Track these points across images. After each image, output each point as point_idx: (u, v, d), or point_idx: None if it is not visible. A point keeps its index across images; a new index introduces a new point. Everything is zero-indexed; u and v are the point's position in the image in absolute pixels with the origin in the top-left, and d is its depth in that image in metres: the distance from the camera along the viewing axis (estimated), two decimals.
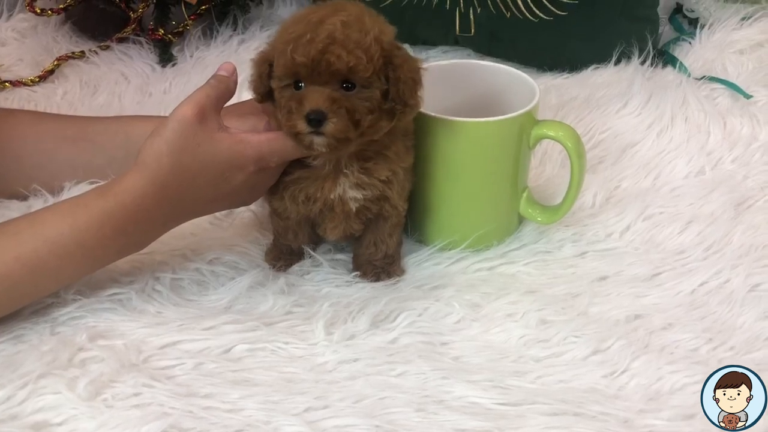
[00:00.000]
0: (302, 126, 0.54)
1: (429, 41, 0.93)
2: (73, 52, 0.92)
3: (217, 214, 0.70)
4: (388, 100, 0.55)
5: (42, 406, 0.51)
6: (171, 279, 0.62)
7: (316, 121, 0.53)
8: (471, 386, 0.54)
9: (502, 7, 0.89)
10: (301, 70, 0.53)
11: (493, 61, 0.70)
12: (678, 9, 0.99)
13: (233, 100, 0.72)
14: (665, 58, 0.91)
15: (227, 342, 0.57)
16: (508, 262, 0.66)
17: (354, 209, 0.60)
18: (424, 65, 0.58)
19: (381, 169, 0.59)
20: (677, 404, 0.53)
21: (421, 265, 0.65)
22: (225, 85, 0.58)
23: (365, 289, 0.62)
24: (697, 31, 0.92)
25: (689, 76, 0.87)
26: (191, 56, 0.91)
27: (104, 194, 0.56)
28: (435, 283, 0.63)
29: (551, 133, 0.64)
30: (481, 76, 0.69)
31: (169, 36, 0.92)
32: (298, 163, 0.59)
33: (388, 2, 0.90)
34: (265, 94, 0.57)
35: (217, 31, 0.94)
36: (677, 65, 0.89)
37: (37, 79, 0.88)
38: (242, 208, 0.71)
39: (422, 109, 0.61)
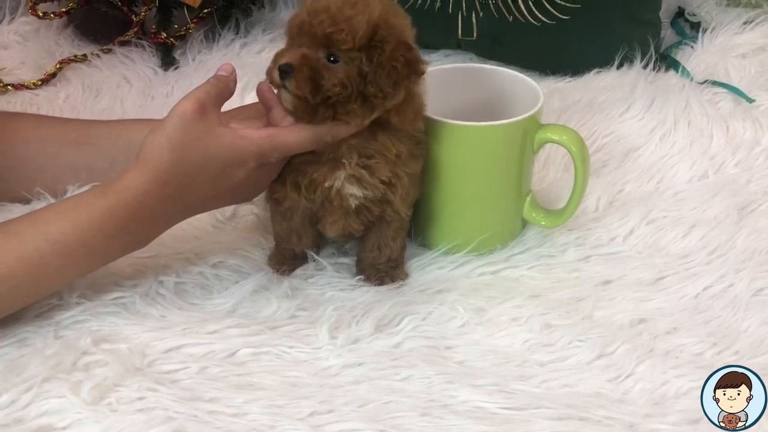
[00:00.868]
0: (275, 75, 0.55)
1: (431, 45, 0.93)
2: (75, 56, 0.92)
3: (219, 217, 0.70)
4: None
5: (46, 410, 0.51)
6: (175, 283, 0.62)
7: (284, 72, 0.55)
8: (476, 390, 0.54)
9: (505, 11, 0.89)
10: (293, 30, 0.56)
11: (496, 65, 0.70)
12: (680, 13, 0.99)
13: (236, 103, 0.73)
14: (668, 62, 0.91)
15: (231, 346, 0.57)
16: (512, 266, 0.66)
17: (353, 206, 0.59)
18: (427, 67, 0.58)
19: (382, 168, 0.59)
20: (682, 408, 0.53)
21: (425, 268, 0.65)
22: (224, 84, 0.58)
23: (369, 293, 0.62)
24: (700, 35, 0.92)
25: (692, 80, 0.87)
26: (193, 59, 0.91)
27: (106, 192, 0.56)
28: (439, 287, 0.63)
29: (555, 137, 0.64)
30: (484, 80, 0.69)
31: (172, 39, 0.92)
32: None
33: None
34: None
35: (220, 35, 0.94)
36: (680, 69, 0.89)
37: (39, 83, 0.88)
38: (246, 211, 0.71)
39: (426, 113, 0.61)
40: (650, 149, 0.78)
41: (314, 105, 0.55)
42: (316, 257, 0.64)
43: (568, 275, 0.65)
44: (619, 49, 0.88)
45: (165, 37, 0.92)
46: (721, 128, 0.79)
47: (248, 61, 0.91)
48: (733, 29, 0.91)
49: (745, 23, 0.92)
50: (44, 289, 0.57)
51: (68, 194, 0.68)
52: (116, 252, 0.58)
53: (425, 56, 0.90)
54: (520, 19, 0.89)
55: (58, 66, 0.90)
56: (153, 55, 0.92)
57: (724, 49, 0.90)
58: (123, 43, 0.93)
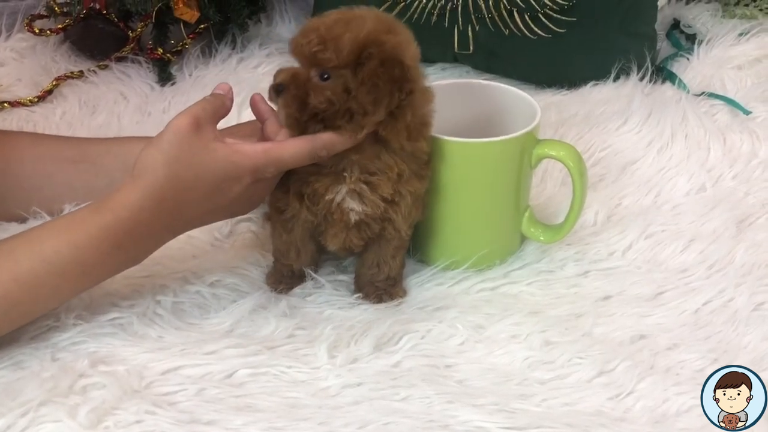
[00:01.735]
0: (272, 94, 0.58)
1: (427, 58, 0.93)
2: (71, 72, 0.91)
3: (217, 235, 0.70)
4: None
5: None
6: (172, 302, 0.61)
7: (277, 91, 0.57)
8: (476, 410, 0.53)
9: (501, 25, 0.89)
10: (291, 49, 0.58)
11: (492, 79, 0.70)
12: (675, 25, 0.99)
13: (233, 118, 0.72)
14: (664, 74, 0.91)
15: (229, 367, 0.57)
16: (510, 282, 0.65)
17: (353, 221, 0.59)
18: (419, 84, 0.58)
19: (383, 186, 0.59)
20: (684, 427, 0.53)
21: (424, 285, 0.65)
22: (221, 101, 0.59)
23: (368, 311, 0.62)
24: (695, 47, 0.93)
25: (688, 92, 0.87)
26: (190, 75, 0.91)
27: (100, 210, 0.56)
28: (438, 305, 0.63)
29: (553, 153, 0.64)
30: (481, 95, 0.69)
31: (168, 55, 0.92)
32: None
33: None
34: None
35: (216, 50, 0.94)
36: (676, 81, 0.89)
37: (35, 99, 0.88)
38: (243, 229, 0.70)
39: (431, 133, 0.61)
40: (648, 162, 0.78)
41: (304, 121, 0.57)
42: (314, 275, 0.64)
43: (567, 291, 0.65)
44: (615, 62, 0.88)
45: (161, 53, 0.92)
46: (718, 141, 0.80)
47: (245, 76, 0.91)
48: (728, 41, 0.92)
49: (740, 35, 0.93)
50: (40, 309, 0.57)
51: (65, 213, 0.68)
52: (112, 269, 0.58)
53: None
54: (517, 32, 0.89)
55: (54, 83, 0.90)
56: (150, 71, 0.92)
57: (720, 60, 0.90)
58: (119, 59, 0.93)
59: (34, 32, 0.93)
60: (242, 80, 0.89)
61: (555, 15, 0.88)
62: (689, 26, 0.98)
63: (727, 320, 0.61)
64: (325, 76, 0.56)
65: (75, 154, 0.71)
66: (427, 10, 0.90)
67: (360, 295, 0.63)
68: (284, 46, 0.97)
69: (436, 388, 0.55)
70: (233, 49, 0.94)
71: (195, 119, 0.56)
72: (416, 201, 0.61)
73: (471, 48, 0.90)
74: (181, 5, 0.89)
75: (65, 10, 0.93)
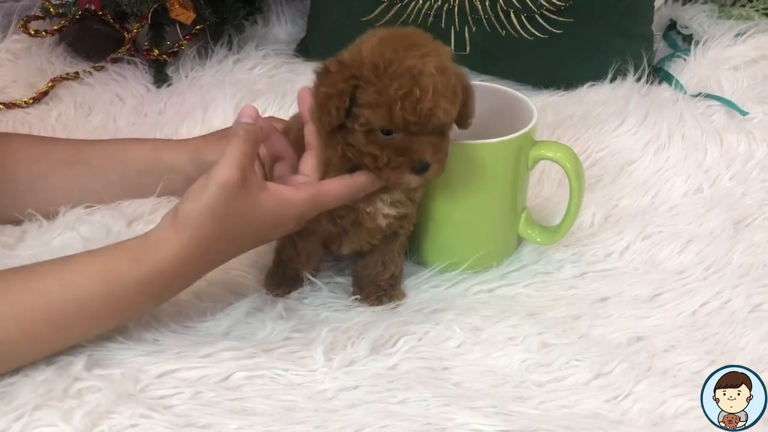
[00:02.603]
0: (409, 179, 0.56)
1: None
2: (67, 73, 0.91)
3: None
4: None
5: None
6: (169, 305, 0.61)
7: (422, 170, 0.55)
8: (473, 413, 0.53)
9: (497, 26, 0.89)
10: (410, 126, 0.54)
11: (489, 80, 0.70)
12: (672, 26, 0.99)
13: (229, 122, 0.72)
14: (660, 75, 0.91)
15: (225, 370, 0.56)
16: (508, 283, 0.65)
17: (384, 225, 0.60)
18: None
19: (418, 187, 0.60)
20: (682, 429, 0.53)
21: (421, 287, 0.65)
22: (255, 136, 0.56)
23: (365, 313, 0.61)
24: (692, 47, 0.93)
25: (685, 93, 0.87)
26: (186, 76, 0.91)
27: (140, 261, 0.54)
28: (435, 307, 0.62)
29: (550, 155, 0.64)
30: (477, 97, 0.68)
31: (164, 56, 0.92)
32: None
33: (383, 21, 0.90)
34: (336, 127, 0.56)
35: (212, 51, 0.94)
36: (673, 82, 0.89)
37: (31, 101, 0.88)
38: None
39: None
40: (645, 163, 0.78)
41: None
42: (311, 278, 0.63)
43: (565, 293, 0.65)
44: (612, 63, 0.88)
45: (157, 54, 0.91)
46: (715, 141, 0.80)
47: (241, 77, 0.91)
48: (725, 42, 0.92)
49: (737, 35, 0.93)
50: (67, 345, 0.56)
51: (61, 215, 0.68)
52: (142, 313, 0.58)
53: None
54: (513, 33, 0.89)
55: (50, 84, 0.89)
56: (145, 72, 0.92)
57: (716, 61, 0.90)
58: (115, 61, 0.93)
59: (29, 33, 0.93)
60: (238, 81, 0.89)
61: (551, 16, 0.88)
62: (686, 27, 0.98)
63: (725, 321, 0.61)
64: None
65: (70, 155, 0.70)
66: (423, 12, 0.90)
67: (358, 296, 0.63)
68: (281, 48, 0.97)
69: (433, 391, 0.55)
70: (229, 50, 0.94)
71: (242, 172, 0.54)
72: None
73: (467, 49, 0.90)
74: (177, 6, 0.89)
75: (61, 11, 0.93)
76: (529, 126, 0.63)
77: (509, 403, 0.54)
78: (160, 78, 0.91)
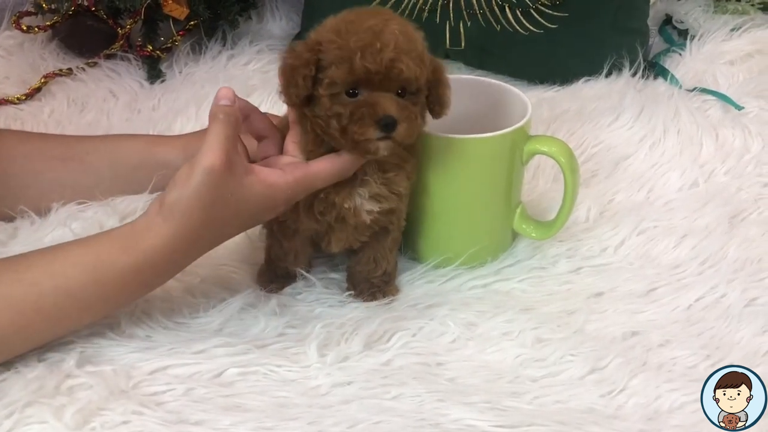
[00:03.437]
0: (373, 133, 0.54)
1: None
2: (60, 70, 0.91)
3: None
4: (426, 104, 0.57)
5: None
6: (161, 301, 0.61)
7: (388, 126, 0.54)
8: (467, 408, 0.53)
9: (492, 21, 0.89)
10: (371, 77, 0.53)
11: (484, 75, 0.70)
12: (668, 20, 0.99)
13: None
14: (656, 69, 0.91)
15: (218, 366, 0.56)
16: (502, 279, 0.65)
17: (368, 221, 0.59)
18: None
19: (399, 181, 0.59)
20: (677, 423, 0.53)
21: (415, 283, 0.64)
22: (235, 117, 0.55)
23: (359, 309, 0.61)
24: (687, 42, 0.92)
25: (680, 87, 0.87)
26: (180, 72, 0.90)
27: (130, 250, 0.54)
28: (429, 302, 0.62)
29: (544, 149, 0.64)
30: (472, 92, 0.68)
31: (158, 52, 0.91)
32: None
33: None
34: (303, 99, 0.55)
35: (206, 47, 0.93)
36: (668, 77, 0.89)
37: (23, 97, 0.87)
38: None
39: None
40: (640, 158, 0.78)
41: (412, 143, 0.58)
42: (305, 274, 0.63)
43: (560, 288, 0.64)
44: (607, 58, 0.88)
45: (151, 50, 0.91)
46: (710, 136, 0.79)
47: (235, 73, 0.90)
48: (720, 36, 0.92)
49: (732, 30, 0.93)
50: (59, 335, 0.56)
51: (53, 212, 0.68)
52: (133, 300, 0.58)
53: None
54: (508, 28, 0.88)
55: (42, 80, 0.89)
56: (139, 68, 0.91)
57: (712, 56, 0.90)
58: (109, 57, 0.92)
59: (22, 29, 0.92)
60: (232, 77, 0.89)
61: (547, 11, 0.87)
62: (681, 22, 0.98)
63: (720, 316, 0.61)
64: (400, 92, 0.55)
65: (63, 152, 0.70)
66: (418, 6, 0.89)
67: (352, 292, 0.63)
68: (275, 43, 0.96)
69: (427, 387, 0.55)
70: (223, 46, 0.94)
71: (226, 156, 0.53)
72: (411, 190, 0.61)
73: (462, 44, 0.90)
74: (170, 2, 0.88)
75: (53, 6, 0.92)
76: (524, 120, 0.63)
77: (504, 399, 0.54)
78: (154, 74, 0.90)
